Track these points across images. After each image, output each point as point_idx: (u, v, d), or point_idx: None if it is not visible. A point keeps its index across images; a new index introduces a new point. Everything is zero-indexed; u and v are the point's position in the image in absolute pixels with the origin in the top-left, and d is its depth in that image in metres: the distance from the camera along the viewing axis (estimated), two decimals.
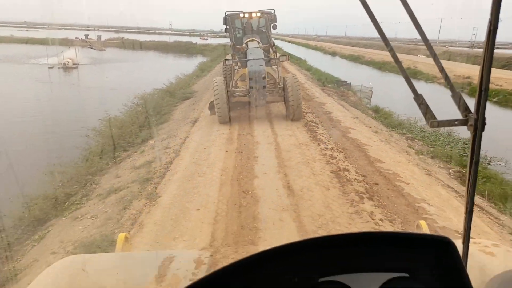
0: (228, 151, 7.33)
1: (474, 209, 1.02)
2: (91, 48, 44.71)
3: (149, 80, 18.56)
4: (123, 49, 48.02)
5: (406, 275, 0.77)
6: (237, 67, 10.65)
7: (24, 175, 7.53)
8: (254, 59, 9.21)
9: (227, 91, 9.13)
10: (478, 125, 0.80)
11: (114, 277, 1.34)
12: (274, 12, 11.53)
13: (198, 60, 33.53)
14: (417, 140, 10.22)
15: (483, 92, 0.78)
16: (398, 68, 0.90)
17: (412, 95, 0.87)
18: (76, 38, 53.30)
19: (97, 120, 10.56)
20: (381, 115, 12.86)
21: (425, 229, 1.71)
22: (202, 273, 1.39)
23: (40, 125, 11.75)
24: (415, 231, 1.73)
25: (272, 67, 10.35)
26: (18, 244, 5.17)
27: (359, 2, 0.84)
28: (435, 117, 0.86)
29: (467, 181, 0.87)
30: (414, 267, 0.77)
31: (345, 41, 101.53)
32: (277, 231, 4.32)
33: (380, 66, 33.93)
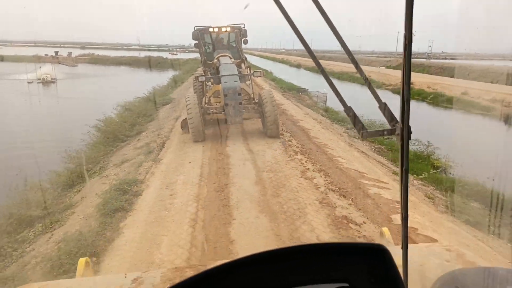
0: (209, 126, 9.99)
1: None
2: (63, 64, 46.02)
3: (127, 91, 20.78)
4: (94, 65, 49.65)
5: (346, 285, 0.77)
6: (209, 83, 10.42)
7: (46, 163, 9.75)
8: (228, 75, 9.06)
9: (201, 108, 9.08)
10: (404, 134, 0.83)
11: None
12: (244, 27, 11.32)
13: (171, 73, 35.92)
14: (354, 130, 13.27)
15: (406, 102, 0.81)
16: (329, 85, 0.94)
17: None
18: (45, 54, 54.31)
19: (90, 122, 12.81)
20: (329, 113, 15.92)
21: (388, 236, 1.75)
22: None
23: (42, 128, 13.86)
24: (378, 238, 1.80)
25: (246, 82, 10.29)
26: (63, 195, 7.48)
27: (323, 19, 0.88)
28: (365, 128, 0.91)
29: (400, 189, 0.89)
30: (353, 276, 0.78)
31: (307, 55, 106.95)
32: (241, 169, 7.02)
33: (338, 76, 37.80)
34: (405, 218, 0.91)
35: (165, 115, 14.12)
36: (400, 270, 0.80)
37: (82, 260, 1.68)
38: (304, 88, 22.38)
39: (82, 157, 9.33)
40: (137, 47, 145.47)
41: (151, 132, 11.22)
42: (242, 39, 11.47)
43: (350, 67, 43.45)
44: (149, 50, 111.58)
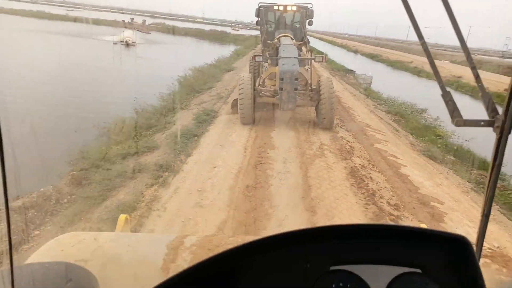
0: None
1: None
2: (138, 30, 51.54)
3: (196, 58, 24.67)
4: (165, 33, 54.83)
5: (419, 271, 0.77)
6: (266, 64, 10.28)
7: (146, 100, 13.69)
8: (287, 57, 8.54)
9: (254, 89, 8.86)
10: (505, 127, 0.80)
11: (117, 254, 1.40)
12: (311, 7, 10.79)
13: (232, 47, 39.62)
14: (383, 105, 15.93)
15: None
16: (430, 66, 0.94)
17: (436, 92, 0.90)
18: (122, 20, 60.47)
19: (171, 77, 16.66)
20: (367, 91, 18.57)
21: None
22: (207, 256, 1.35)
23: (136, 78, 18.12)
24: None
25: (305, 67, 9.96)
26: (166, 117, 11.25)
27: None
28: (461, 116, 0.87)
29: (486, 184, 0.87)
30: (428, 264, 0.77)
31: (374, 42, 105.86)
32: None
33: (392, 64, 39.20)
34: (486, 215, 0.88)
35: (229, 78, 17.70)
36: None
37: (122, 217, 1.73)
38: (352, 70, 24.84)
39: (172, 98, 13.18)
40: (202, 20, 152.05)
41: (219, 88, 14.84)
42: (307, 20, 10.90)
43: (405, 56, 44.32)
44: (212, 24, 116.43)
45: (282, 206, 5.04)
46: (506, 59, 60.50)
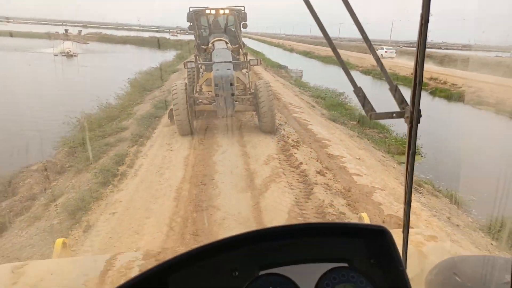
0: None
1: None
2: (74, 41, 51.52)
3: (140, 64, 26.55)
4: (103, 43, 55.15)
5: (346, 265, 0.81)
6: (201, 70, 9.88)
7: (105, 98, 15.67)
8: (220, 62, 8.38)
9: (190, 97, 8.50)
10: (414, 117, 0.84)
11: (53, 282, 1.37)
12: (244, 9, 10.59)
13: (173, 52, 41.62)
14: (308, 91, 19.29)
15: (418, 85, 0.82)
16: (339, 62, 0.96)
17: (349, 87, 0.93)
18: (56, 32, 59.64)
19: (121, 81, 18.65)
20: (296, 81, 21.93)
21: (366, 221, 1.84)
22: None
23: (88, 84, 19.82)
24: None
25: (242, 71, 9.79)
26: (127, 109, 13.46)
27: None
28: (374, 109, 0.92)
29: (405, 172, 0.91)
30: (353, 257, 0.81)
31: (310, 40, 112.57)
32: None
33: (322, 59, 43.81)
34: (408, 202, 0.92)
35: (175, 78, 20.08)
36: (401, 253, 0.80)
37: (59, 241, 1.71)
38: (285, 66, 28.29)
39: (127, 96, 15.35)
40: (138, 27, 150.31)
41: (168, 86, 17.19)
42: (241, 23, 10.70)
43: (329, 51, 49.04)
44: (149, 31, 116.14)
45: (226, 147, 7.79)
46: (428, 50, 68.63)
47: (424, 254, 1.40)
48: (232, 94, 8.15)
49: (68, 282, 1.38)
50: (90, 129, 10.35)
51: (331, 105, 15.36)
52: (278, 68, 27.60)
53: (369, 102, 0.92)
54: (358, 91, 0.92)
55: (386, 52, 41.90)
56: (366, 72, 32.33)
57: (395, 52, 44.04)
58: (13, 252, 4.36)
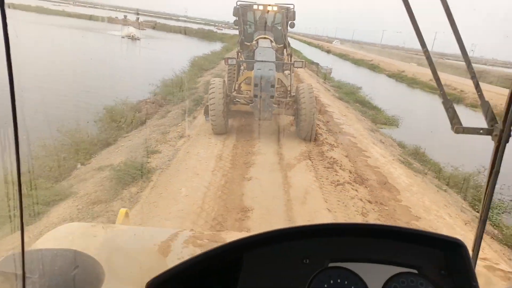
0: None
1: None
2: (134, 27, 58.26)
3: (193, 51, 31.99)
4: (157, 30, 61.73)
5: (415, 271, 0.81)
6: (242, 67, 9.82)
7: (172, 72, 20.99)
8: (263, 61, 8.07)
9: (227, 96, 8.33)
10: (503, 136, 0.84)
11: (116, 245, 1.50)
12: (293, 8, 10.28)
13: (221, 44, 47.12)
14: (332, 84, 23.82)
15: None
16: (433, 75, 0.96)
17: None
18: (116, 17, 67.02)
19: (182, 62, 23.93)
20: (325, 77, 26.51)
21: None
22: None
23: (156, 61, 25.38)
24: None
25: (285, 72, 9.64)
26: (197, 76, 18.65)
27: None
28: (461, 123, 0.92)
29: (484, 190, 0.91)
30: (424, 265, 0.81)
31: (350, 44, 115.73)
32: None
33: (355, 61, 47.86)
34: (483, 220, 0.91)
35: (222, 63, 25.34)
36: None
37: (122, 211, 1.86)
38: (317, 62, 32.84)
39: (192, 71, 20.58)
40: (185, 18, 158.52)
41: (219, 67, 22.37)
42: (289, 22, 10.36)
43: (369, 56, 53.14)
44: (196, 22, 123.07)
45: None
46: (474, 64, 69.79)
47: (490, 278, 1.39)
48: (272, 97, 7.83)
49: (134, 247, 1.48)
50: (172, 87, 15.55)
51: (344, 92, 19.90)
52: (310, 64, 32.16)
53: (457, 116, 0.92)
54: (448, 104, 0.92)
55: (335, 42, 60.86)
56: (391, 75, 36.23)
57: (340, 43, 65.31)
58: (161, 120, 9.46)
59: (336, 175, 6.63)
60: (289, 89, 9.19)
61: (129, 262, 1.31)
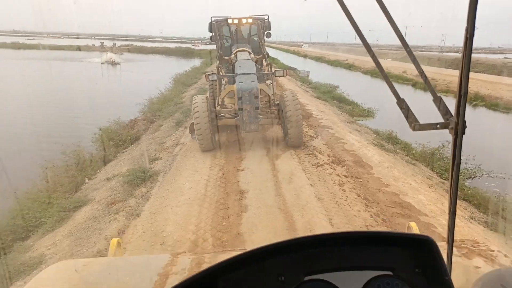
0: None
1: None
2: (112, 52, 59.02)
3: (173, 69, 33.00)
4: (135, 53, 62.64)
5: (390, 273, 0.84)
6: (224, 82, 9.81)
7: (153, 92, 21.89)
8: (244, 73, 8.11)
9: (211, 111, 8.25)
10: (458, 128, 0.85)
11: (110, 280, 1.46)
12: (268, 18, 10.54)
13: (198, 60, 48.26)
14: (310, 86, 25.04)
15: (463, 96, 0.83)
16: (380, 73, 0.97)
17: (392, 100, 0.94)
18: (93, 45, 67.73)
19: (164, 80, 24.85)
20: (302, 80, 27.75)
21: (415, 230, 1.84)
22: None
23: (138, 84, 26.23)
24: (406, 231, 1.86)
25: (267, 82, 9.72)
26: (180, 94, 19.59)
27: (341, 11, 0.91)
28: (417, 121, 0.93)
29: (449, 183, 0.92)
30: (398, 266, 0.84)
31: (327, 47, 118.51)
32: None
33: (331, 62, 49.64)
34: (453, 212, 0.92)
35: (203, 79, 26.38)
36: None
37: (114, 241, 1.85)
38: (294, 67, 34.20)
39: (173, 89, 21.51)
40: (160, 39, 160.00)
41: (201, 82, 23.37)
42: (265, 32, 10.55)
43: (343, 56, 55.01)
44: (172, 41, 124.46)
45: None
46: (445, 53, 70.66)
47: (469, 265, 1.39)
48: (256, 108, 7.84)
49: (127, 280, 1.45)
50: (159, 104, 16.46)
51: (322, 92, 21.12)
52: (288, 69, 33.50)
53: (412, 114, 0.93)
54: (402, 103, 0.93)
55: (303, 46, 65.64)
56: (366, 72, 37.83)
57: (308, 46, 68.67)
58: (156, 134, 10.35)
59: (316, 159, 7.64)
60: (272, 98, 9.16)
61: None
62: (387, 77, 0.95)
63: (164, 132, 11.06)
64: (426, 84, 0.92)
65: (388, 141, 10.89)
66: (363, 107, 16.98)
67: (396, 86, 0.96)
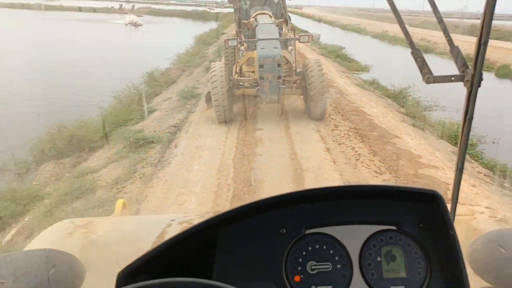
0: None
1: None
2: (133, 14, 61.80)
3: (192, 30, 35.91)
4: (153, 16, 65.28)
5: (394, 227, 0.83)
6: (242, 48, 8.91)
7: (175, 49, 25.13)
8: (266, 39, 7.48)
9: (229, 80, 7.84)
10: (474, 81, 0.82)
11: (115, 238, 1.48)
12: None
13: (214, 24, 50.81)
14: (319, 47, 27.86)
15: (482, 45, 0.78)
16: (398, 21, 0.95)
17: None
18: (112, 7, 70.43)
19: (188, 38, 27.92)
20: (313, 42, 30.55)
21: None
22: None
23: (162, 42, 29.48)
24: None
25: (288, 48, 9.01)
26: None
27: None
28: (431, 73, 0.90)
29: (459, 138, 0.90)
30: (402, 220, 0.82)
31: (341, 11, 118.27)
32: None
33: (343, 27, 51.58)
34: (460, 169, 0.90)
35: (224, 37, 29.38)
36: None
37: (120, 202, 1.87)
38: (306, 30, 36.76)
39: (196, 46, 24.70)
40: (175, 2, 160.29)
41: (220, 41, 26.46)
42: None
43: (356, 20, 56.58)
44: (187, 4, 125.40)
45: None
46: (466, 20, 68.01)
47: (472, 224, 1.40)
48: (279, 77, 7.38)
49: (132, 237, 1.48)
50: (187, 57, 19.81)
51: (328, 51, 24.09)
52: (299, 32, 36.17)
53: (427, 66, 0.91)
54: (416, 54, 0.91)
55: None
56: (375, 36, 40.18)
57: None
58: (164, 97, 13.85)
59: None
60: (294, 66, 8.70)
61: (113, 255, 1.29)
62: (404, 27, 0.94)
63: (197, 75, 14.50)
64: (444, 34, 0.89)
65: (371, 85, 14.14)
66: (361, 64, 20.02)
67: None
